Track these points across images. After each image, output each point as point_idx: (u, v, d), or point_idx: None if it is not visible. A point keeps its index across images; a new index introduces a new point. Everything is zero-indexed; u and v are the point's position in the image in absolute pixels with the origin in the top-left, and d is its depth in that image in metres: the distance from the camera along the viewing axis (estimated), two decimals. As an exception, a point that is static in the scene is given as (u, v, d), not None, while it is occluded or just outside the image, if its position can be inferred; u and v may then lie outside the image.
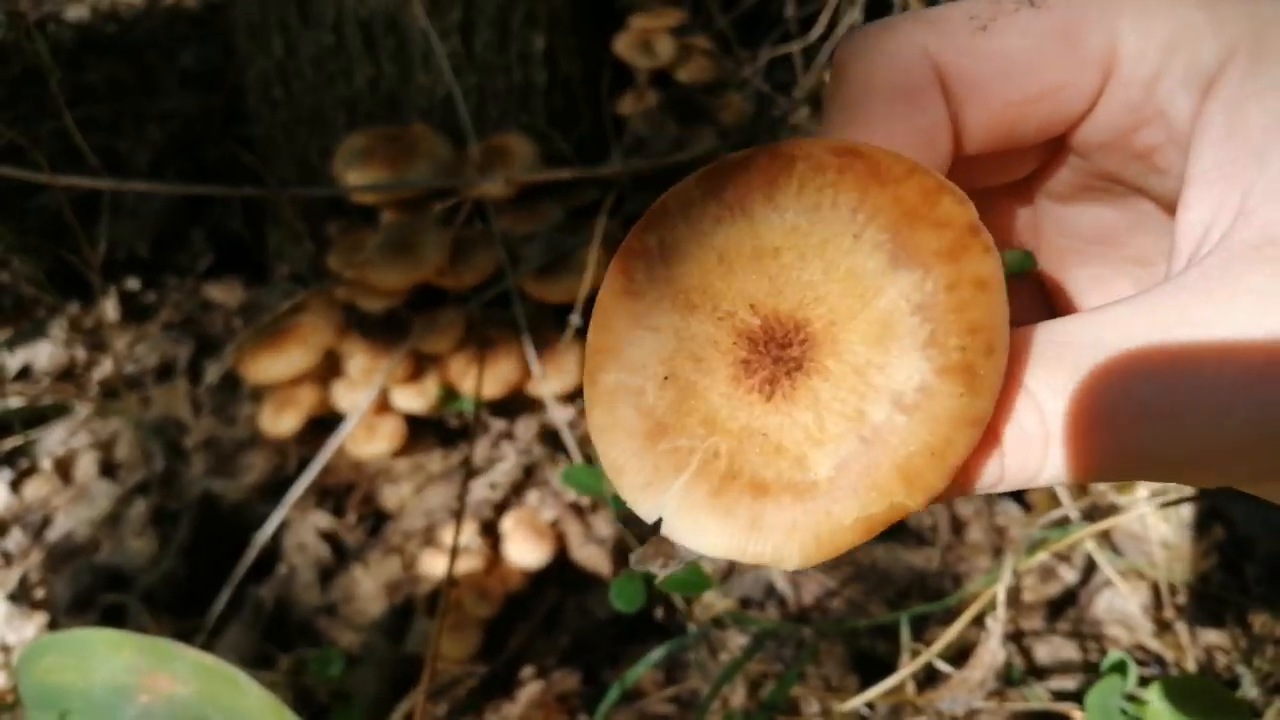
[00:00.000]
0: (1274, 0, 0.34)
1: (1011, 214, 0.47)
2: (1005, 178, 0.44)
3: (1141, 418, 0.31)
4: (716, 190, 0.34)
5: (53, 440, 1.53)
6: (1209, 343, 0.31)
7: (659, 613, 1.29)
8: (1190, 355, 0.31)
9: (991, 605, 0.89)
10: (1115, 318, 0.33)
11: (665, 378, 0.33)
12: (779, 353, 0.32)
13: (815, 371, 0.32)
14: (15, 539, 1.43)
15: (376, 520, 1.44)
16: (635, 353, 0.34)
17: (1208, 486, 0.33)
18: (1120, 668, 0.77)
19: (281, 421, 1.37)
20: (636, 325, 0.34)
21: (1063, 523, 1.21)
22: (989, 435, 0.32)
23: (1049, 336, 0.33)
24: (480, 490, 1.40)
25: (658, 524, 0.33)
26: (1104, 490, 1.32)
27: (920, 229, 0.31)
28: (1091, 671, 1.18)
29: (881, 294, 0.31)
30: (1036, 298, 0.49)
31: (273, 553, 1.38)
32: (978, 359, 0.30)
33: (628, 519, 1.33)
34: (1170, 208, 0.39)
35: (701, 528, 0.32)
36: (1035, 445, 0.32)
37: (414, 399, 1.38)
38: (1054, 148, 0.42)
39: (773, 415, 0.32)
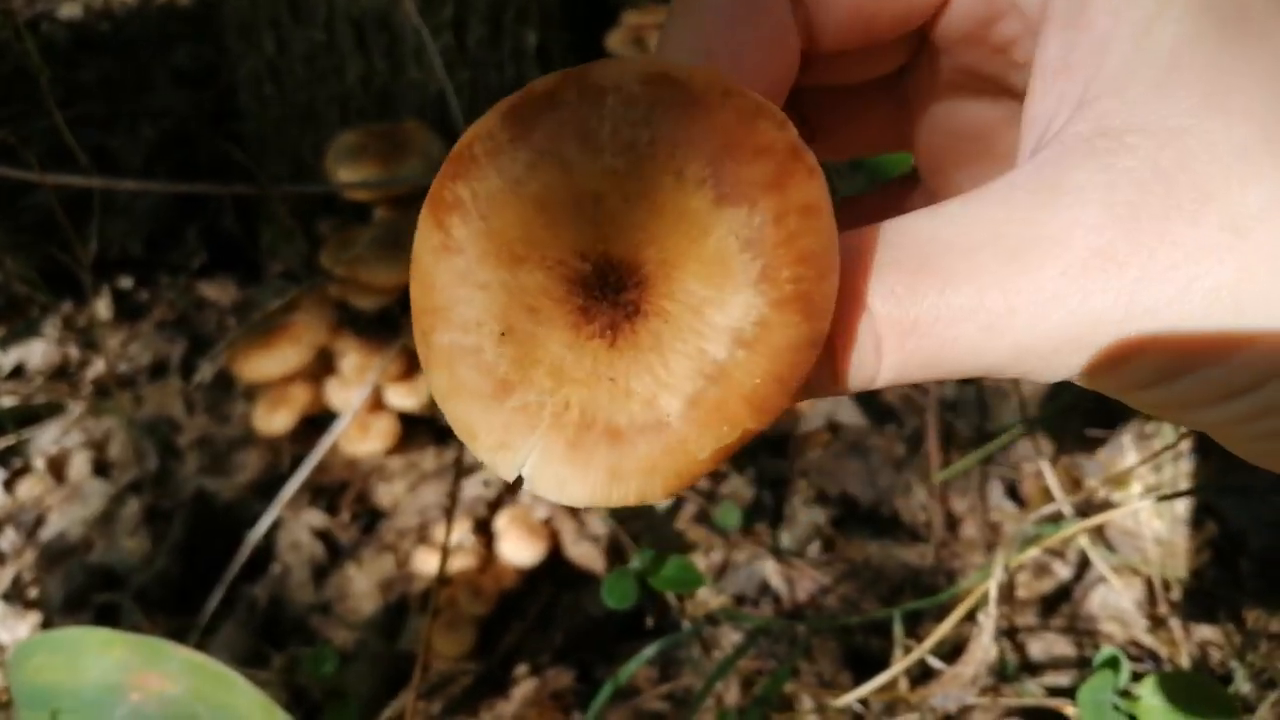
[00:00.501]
0: None
1: (886, 112, 0.46)
2: (872, 73, 0.42)
3: (959, 321, 0.30)
4: (524, 134, 0.31)
5: (46, 439, 1.52)
6: (1029, 243, 0.30)
7: (653, 610, 1.29)
8: (1011, 255, 0.30)
9: (983, 601, 0.89)
10: (947, 216, 0.32)
11: (502, 334, 0.32)
12: (615, 297, 0.32)
13: (654, 313, 0.31)
14: (8, 538, 1.43)
15: (370, 518, 1.44)
16: (466, 311, 0.33)
17: (1037, 380, 0.32)
18: (1112, 663, 0.77)
19: (275, 420, 1.37)
20: (462, 283, 0.33)
21: (1056, 518, 1.21)
22: (827, 343, 0.32)
23: (886, 238, 0.32)
24: (474, 488, 1.39)
25: (519, 482, 0.32)
26: (1098, 486, 1.32)
27: (742, 160, 0.30)
28: (1085, 667, 1.18)
29: (710, 232, 0.31)
30: (924, 199, 0.48)
31: (266, 551, 1.37)
32: (812, 286, 0.30)
33: (621, 517, 1.32)
34: None
35: (563, 481, 0.32)
36: (868, 349, 0.31)
37: (407, 397, 1.38)
38: (919, 42, 0.41)
39: (619, 360, 0.32)
